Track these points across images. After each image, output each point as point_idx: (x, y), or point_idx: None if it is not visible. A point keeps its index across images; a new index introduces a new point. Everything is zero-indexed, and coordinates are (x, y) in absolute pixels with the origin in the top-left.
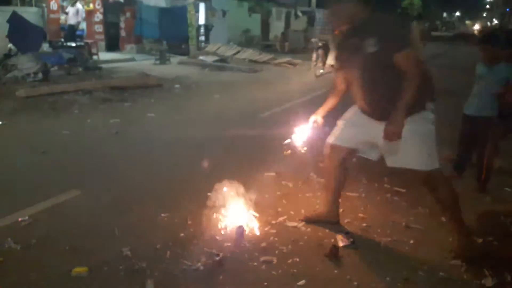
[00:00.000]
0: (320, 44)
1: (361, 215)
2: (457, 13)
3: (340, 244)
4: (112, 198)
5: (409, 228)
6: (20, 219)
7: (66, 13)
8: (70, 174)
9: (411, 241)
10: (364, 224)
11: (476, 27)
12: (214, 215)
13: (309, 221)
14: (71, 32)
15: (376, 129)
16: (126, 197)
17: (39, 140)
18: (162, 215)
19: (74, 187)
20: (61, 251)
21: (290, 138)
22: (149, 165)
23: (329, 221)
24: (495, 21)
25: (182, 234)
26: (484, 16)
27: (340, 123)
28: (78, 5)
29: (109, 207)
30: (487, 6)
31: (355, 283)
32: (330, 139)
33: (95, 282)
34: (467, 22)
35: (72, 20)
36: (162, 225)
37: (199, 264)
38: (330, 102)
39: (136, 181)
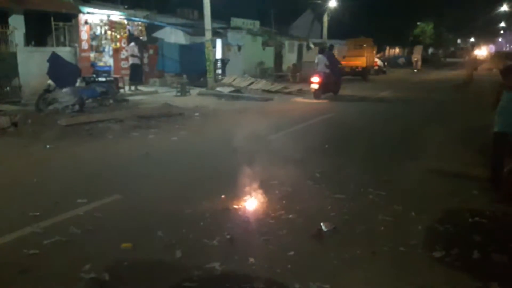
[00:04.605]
0: None
1: (345, 210)
2: (472, 39)
3: (324, 228)
4: (146, 200)
5: (382, 220)
6: (78, 214)
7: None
8: (112, 184)
9: (382, 228)
10: (346, 217)
11: (483, 52)
12: (226, 210)
13: None
14: (136, 69)
15: None
16: (158, 199)
17: (81, 159)
18: (187, 211)
19: (116, 193)
20: (111, 234)
21: None
22: (174, 176)
23: None
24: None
25: (201, 223)
26: (500, 41)
27: None
28: (132, 44)
29: (144, 206)
30: (501, 32)
31: (332, 254)
32: None
33: (138, 253)
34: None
35: (134, 59)
36: (187, 217)
37: (215, 241)
38: None
39: (164, 188)
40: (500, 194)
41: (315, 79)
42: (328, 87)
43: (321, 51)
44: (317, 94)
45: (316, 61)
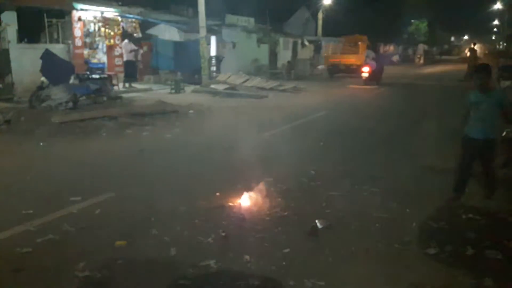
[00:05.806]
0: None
1: (340, 207)
2: (466, 37)
3: (319, 225)
4: (140, 198)
5: (377, 217)
6: (71, 212)
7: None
8: (106, 181)
9: (376, 225)
10: (341, 214)
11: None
12: (221, 208)
13: None
14: (130, 67)
15: None
16: (152, 196)
17: (75, 157)
18: (181, 208)
19: (110, 191)
20: (105, 231)
21: None
22: (168, 173)
23: None
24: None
25: (196, 221)
26: (493, 39)
27: None
28: (126, 41)
29: (138, 204)
30: (495, 29)
31: (327, 251)
32: None
33: (132, 250)
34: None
35: (129, 57)
36: (181, 215)
37: (210, 239)
38: None
39: (158, 186)
40: (491, 190)
41: (365, 69)
42: (374, 76)
43: (369, 47)
44: (366, 81)
45: (366, 54)
